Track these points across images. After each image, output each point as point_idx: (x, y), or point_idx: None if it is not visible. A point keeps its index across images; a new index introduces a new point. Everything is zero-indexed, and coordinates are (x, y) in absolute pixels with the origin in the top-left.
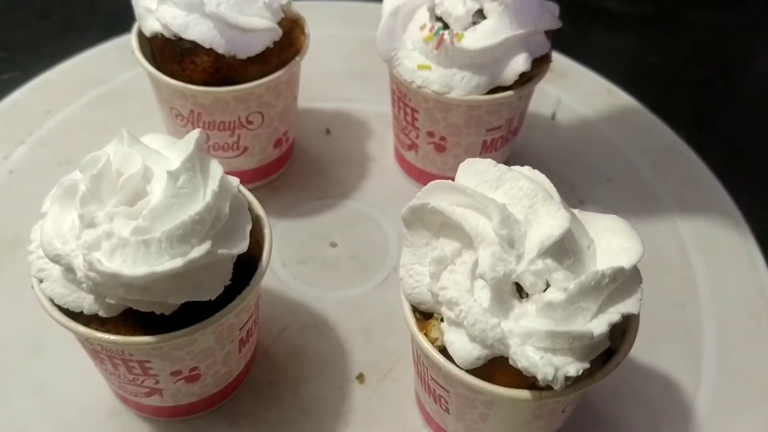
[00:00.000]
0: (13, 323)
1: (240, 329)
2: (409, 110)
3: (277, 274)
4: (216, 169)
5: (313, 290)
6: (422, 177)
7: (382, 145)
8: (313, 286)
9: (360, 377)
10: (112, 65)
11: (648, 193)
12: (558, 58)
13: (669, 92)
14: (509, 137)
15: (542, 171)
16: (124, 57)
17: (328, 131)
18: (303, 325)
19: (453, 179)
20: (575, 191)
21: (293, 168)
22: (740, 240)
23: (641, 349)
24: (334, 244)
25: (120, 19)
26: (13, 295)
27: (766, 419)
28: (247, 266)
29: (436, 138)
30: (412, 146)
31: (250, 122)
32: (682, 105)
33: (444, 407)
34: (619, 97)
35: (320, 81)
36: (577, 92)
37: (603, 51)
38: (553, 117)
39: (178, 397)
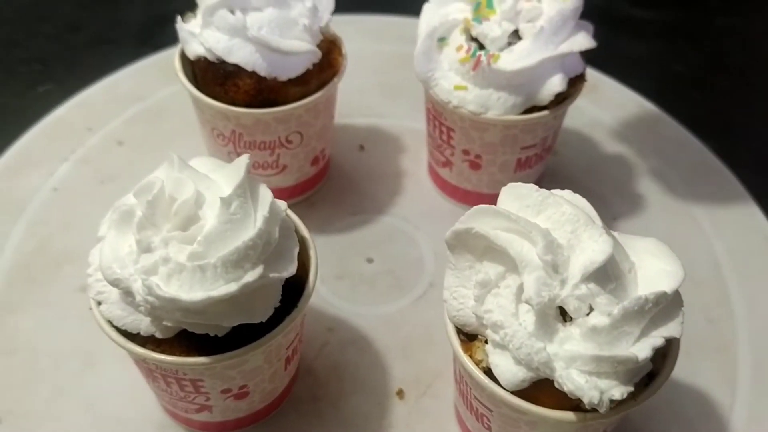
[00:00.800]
0: (64, 338)
1: (287, 348)
2: (444, 129)
3: (316, 290)
4: (266, 195)
5: (351, 306)
6: (456, 193)
7: (416, 161)
8: (351, 302)
9: (400, 393)
10: (150, 82)
11: (680, 208)
12: (588, 71)
13: (694, 100)
14: (543, 155)
15: (574, 187)
16: (161, 74)
17: (361, 147)
18: (343, 341)
19: (487, 196)
20: (608, 207)
21: (329, 184)
22: None
23: (676, 366)
24: (370, 260)
25: (149, 31)
26: (61, 310)
27: None
28: (293, 287)
29: (471, 156)
30: (447, 163)
31: (289, 142)
32: (707, 113)
33: (486, 425)
34: (649, 111)
35: (353, 96)
36: (607, 106)
37: (627, 59)
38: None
39: (227, 413)
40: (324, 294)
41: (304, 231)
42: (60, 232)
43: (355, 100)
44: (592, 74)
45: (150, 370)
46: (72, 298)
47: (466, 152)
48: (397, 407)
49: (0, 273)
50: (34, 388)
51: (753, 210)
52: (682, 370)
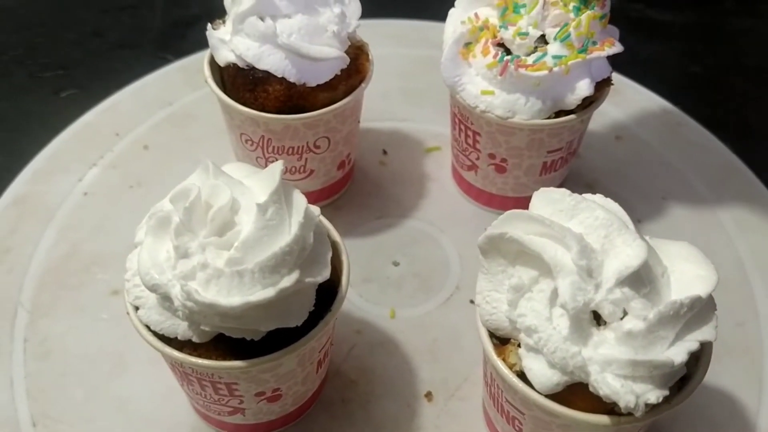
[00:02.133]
0: (96, 341)
1: (319, 351)
2: (470, 133)
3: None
4: (300, 200)
5: (378, 309)
6: (481, 197)
7: (439, 164)
8: (378, 305)
9: (428, 395)
10: (177, 87)
11: (704, 211)
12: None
13: (712, 102)
14: (568, 158)
15: (599, 190)
16: (187, 79)
17: (385, 152)
18: (371, 343)
19: (512, 199)
20: (632, 210)
21: (354, 188)
22: None
23: None
24: (396, 263)
25: (169, 37)
26: (93, 313)
27: None
28: (325, 290)
29: (497, 160)
30: (472, 167)
31: (317, 147)
32: (725, 114)
33: (518, 428)
34: (671, 113)
35: (376, 100)
36: (629, 109)
37: (645, 61)
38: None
39: (259, 416)
40: (351, 297)
41: (336, 236)
42: (90, 236)
43: (378, 104)
44: (617, 78)
45: (185, 374)
46: (103, 301)
47: (492, 156)
48: (426, 409)
49: (31, 277)
50: (66, 391)
51: None
52: (708, 372)
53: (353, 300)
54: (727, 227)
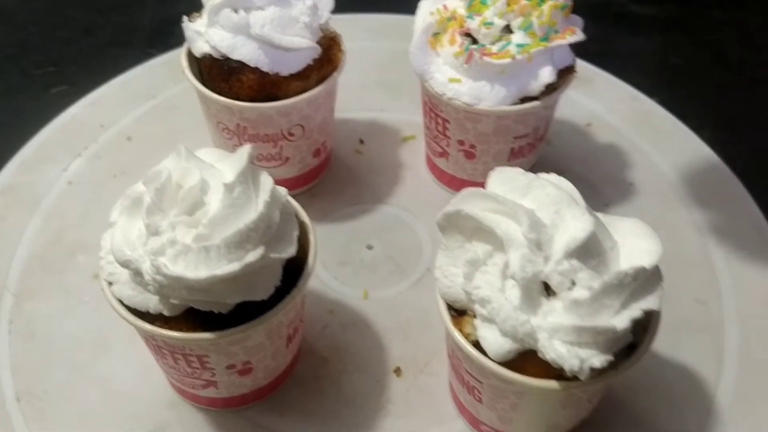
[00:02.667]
0: (79, 323)
1: (288, 326)
2: (440, 120)
3: (319, 275)
4: (267, 181)
5: (352, 290)
6: (453, 183)
7: (414, 153)
8: (352, 287)
9: (398, 371)
10: (160, 80)
11: (671, 196)
12: (582, 65)
13: (692, 94)
14: (536, 144)
15: (567, 176)
16: (170, 72)
17: (361, 141)
18: (343, 323)
19: (482, 184)
20: (600, 195)
21: (330, 176)
22: (760, 240)
23: (664, 344)
24: (370, 247)
25: (158, 34)
26: (76, 296)
27: None
28: (294, 269)
29: (466, 146)
30: (443, 154)
31: (291, 134)
32: (705, 107)
33: (477, 397)
34: (643, 103)
35: (354, 92)
36: (602, 99)
37: (626, 54)
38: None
39: (232, 389)
40: (326, 279)
41: (304, 216)
42: (74, 223)
43: (355, 96)
44: (589, 68)
45: (159, 347)
46: (86, 285)
47: (461, 143)
48: (396, 384)
49: (17, 262)
50: (50, 369)
51: (742, 194)
52: (669, 348)
53: (327, 282)
54: (692, 211)
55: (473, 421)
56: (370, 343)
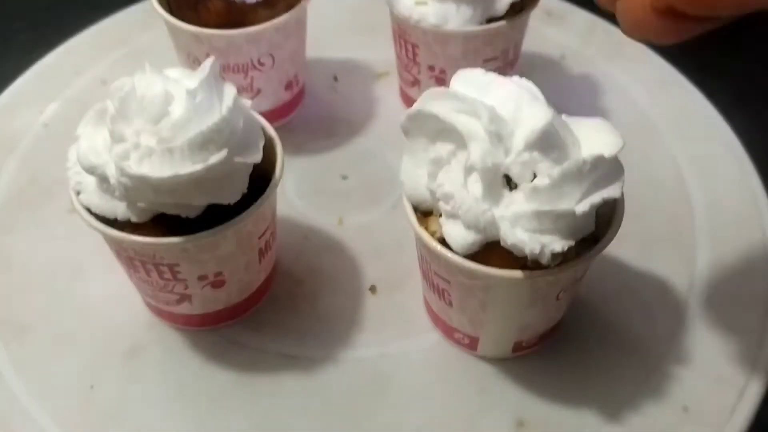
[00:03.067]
0: (55, 251)
1: (259, 238)
2: (409, 46)
3: (294, 205)
4: (230, 90)
5: (327, 218)
6: None
7: (388, 89)
8: (327, 214)
9: (372, 289)
10: (133, 28)
11: (643, 121)
12: (555, 2)
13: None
14: (506, 69)
15: None
16: (143, 20)
17: (335, 78)
18: (318, 247)
19: None
20: None
21: (304, 111)
22: (733, 156)
23: (636, 257)
24: (345, 177)
25: None
26: (52, 228)
27: (756, 311)
28: (263, 182)
29: (436, 72)
30: (415, 82)
31: (261, 64)
32: (687, 47)
33: (447, 301)
34: (615, 33)
35: (328, 33)
36: (576, 33)
37: None
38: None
39: (206, 304)
40: (300, 208)
41: (271, 131)
42: (51, 163)
43: (329, 36)
44: (561, 5)
45: (130, 258)
46: (62, 219)
47: (431, 68)
48: (370, 302)
49: None
50: (29, 298)
51: (713, 116)
52: (642, 261)
53: (302, 210)
54: (665, 136)
55: (447, 330)
56: (344, 265)
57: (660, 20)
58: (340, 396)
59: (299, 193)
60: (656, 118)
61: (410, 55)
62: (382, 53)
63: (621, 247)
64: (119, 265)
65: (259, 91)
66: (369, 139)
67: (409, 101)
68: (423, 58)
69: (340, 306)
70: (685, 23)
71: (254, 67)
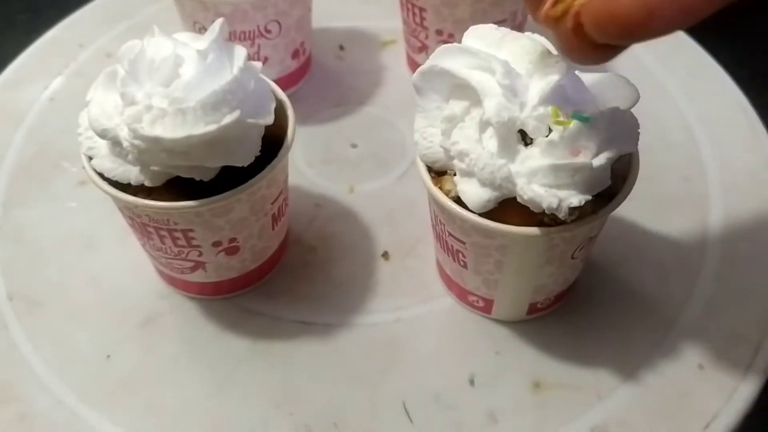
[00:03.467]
0: (66, 224)
1: (272, 203)
2: (417, 11)
3: (304, 173)
4: (240, 51)
5: (337, 186)
6: None
7: (395, 56)
8: (337, 183)
9: (385, 255)
10: (136, 2)
11: (653, 83)
12: None
13: None
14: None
15: None
16: None
17: (341, 47)
18: (330, 215)
19: None
20: None
21: (311, 81)
22: (744, 117)
23: (650, 220)
24: (354, 146)
25: None
26: (62, 202)
27: None
28: (275, 146)
29: (444, 36)
30: (423, 48)
31: (268, 31)
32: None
33: (462, 262)
34: None
35: (332, 2)
36: None
37: None
38: None
39: (220, 272)
40: (312, 177)
41: (282, 95)
42: (57, 136)
43: (334, 6)
44: None
45: (144, 225)
46: (72, 191)
47: (439, 32)
48: (383, 267)
49: (4, 174)
50: (40, 270)
51: (725, 80)
52: (655, 223)
53: (313, 179)
54: (675, 96)
55: (461, 293)
56: (357, 231)
57: (588, 48)
58: (355, 361)
59: (309, 162)
60: (666, 80)
61: (418, 19)
62: (386, 21)
63: (634, 208)
64: (131, 236)
65: (266, 59)
66: (376, 107)
67: (416, 67)
68: (431, 23)
69: (354, 272)
70: (612, 49)
71: (261, 34)
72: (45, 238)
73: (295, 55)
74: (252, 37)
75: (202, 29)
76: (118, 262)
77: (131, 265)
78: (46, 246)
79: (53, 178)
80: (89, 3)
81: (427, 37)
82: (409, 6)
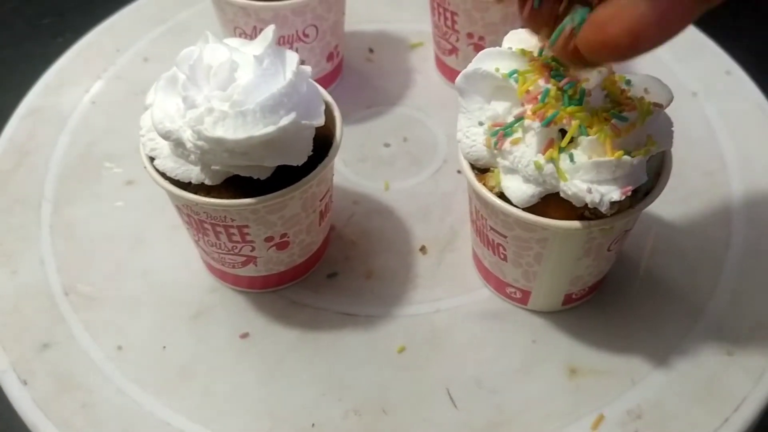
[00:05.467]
0: (115, 222)
1: (320, 200)
2: (448, 14)
3: (341, 172)
4: (292, 56)
5: (373, 183)
6: None
7: (423, 58)
8: (373, 180)
9: (423, 249)
10: (171, 6)
11: (674, 82)
12: None
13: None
14: None
15: None
16: None
17: (371, 50)
18: (368, 211)
19: None
20: None
21: (343, 83)
22: (762, 114)
23: (675, 213)
24: (387, 145)
25: None
26: (110, 201)
27: None
28: (324, 146)
29: (475, 38)
30: (453, 50)
31: (306, 35)
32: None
33: (502, 255)
34: None
35: (361, 6)
36: None
37: None
38: None
39: (270, 266)
40: (348, 175)
41: (328, 96)
42: (101, 137)
43: (363, 9)
44: None
45: (201, 222)
46: (119, 190)
47: (470, 35)
48: (422, 261)
49: (51, 175)
50: (92, 265)
51: (742, 78)
52: (680, 217)
53: (349, 177)
54: (697, 96)
55: (498, 285)
56: (394, 226)
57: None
58: (398, 350)
59: (345, 161)
60: (686, 79)
61: (449, 23)
62: (414, 24)
63: (660, 202)
64: (178, 234)
65: (303, 63)
66: (407, 107)
67: (445, 70)
68: (462, 26)
69: (393, 266)
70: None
71: (299, 38)
72: (96, 236)
73: (330, 58)
74: (291, 41)
75: (242, 34)
76: (167, 258)
77: (180, 261)
78: (98, 243)
79: (99, 178)
80: (122, 8)
81: (457, 39)
82: (441, 10)
